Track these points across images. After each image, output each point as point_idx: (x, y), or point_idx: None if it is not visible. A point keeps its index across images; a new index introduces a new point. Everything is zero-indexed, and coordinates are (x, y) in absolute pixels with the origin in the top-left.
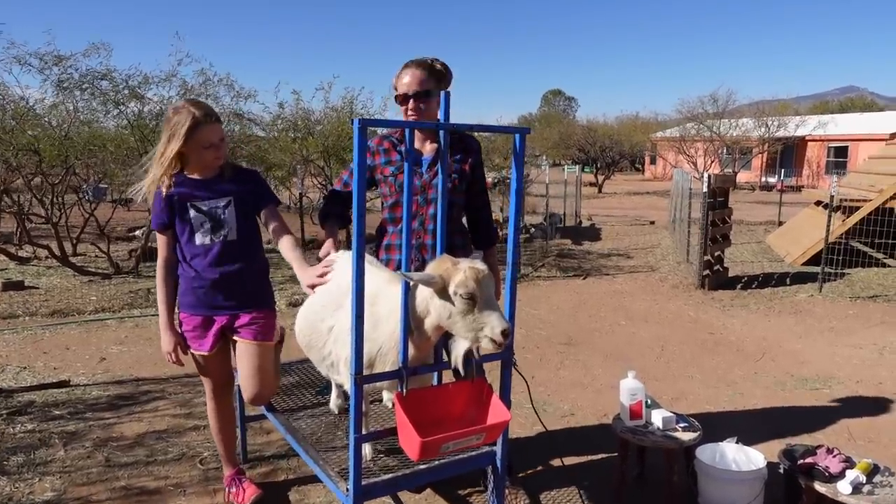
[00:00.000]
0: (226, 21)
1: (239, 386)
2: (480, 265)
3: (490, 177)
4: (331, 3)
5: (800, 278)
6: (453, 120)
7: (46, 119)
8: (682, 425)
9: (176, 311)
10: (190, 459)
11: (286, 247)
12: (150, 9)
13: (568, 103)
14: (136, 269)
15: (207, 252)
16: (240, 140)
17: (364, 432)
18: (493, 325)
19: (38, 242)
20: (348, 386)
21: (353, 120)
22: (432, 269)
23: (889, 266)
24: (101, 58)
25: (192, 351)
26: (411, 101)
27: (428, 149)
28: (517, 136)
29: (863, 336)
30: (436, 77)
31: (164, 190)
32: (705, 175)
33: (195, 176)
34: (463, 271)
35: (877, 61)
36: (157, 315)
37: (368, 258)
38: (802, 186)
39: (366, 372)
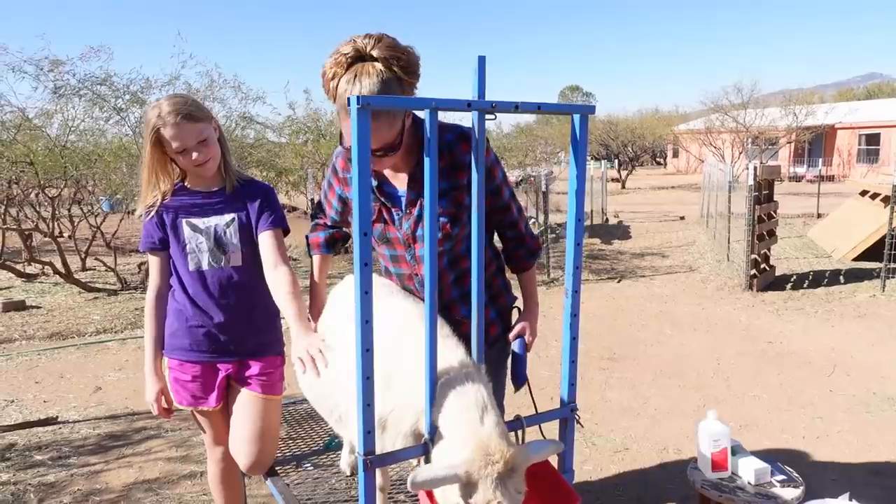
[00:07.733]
0: (230, 18)
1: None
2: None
3: (514, 175)
4: None
5: (855, 276)
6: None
7: (44, 129)
8: (778, 478)
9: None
10: None
11: (283, 284)
12: (150, 10)
13: (586, 99)
14: (144, 284)
15: (208, 281)
16: (250, 145)
17: None
18: None
19: (41, 259)
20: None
21: (349, 99)
22: (461, 456)
23: None
24: (101, 61)
25: (190, 408)
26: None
27: (402, 179)
28: (577, 116)
29: None
30: None
31: (153, 205)
32: (750, 166)
33: (194, 187)
34: (493, 488)
35: None
36: None
37: (381, 281)
38: (833, 176)
39: (376, 434)
